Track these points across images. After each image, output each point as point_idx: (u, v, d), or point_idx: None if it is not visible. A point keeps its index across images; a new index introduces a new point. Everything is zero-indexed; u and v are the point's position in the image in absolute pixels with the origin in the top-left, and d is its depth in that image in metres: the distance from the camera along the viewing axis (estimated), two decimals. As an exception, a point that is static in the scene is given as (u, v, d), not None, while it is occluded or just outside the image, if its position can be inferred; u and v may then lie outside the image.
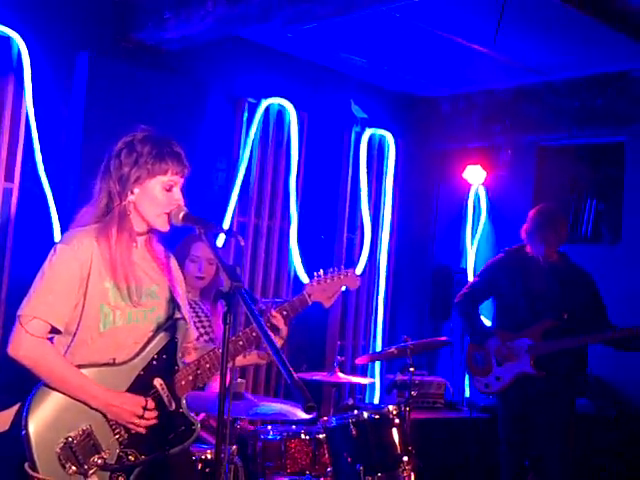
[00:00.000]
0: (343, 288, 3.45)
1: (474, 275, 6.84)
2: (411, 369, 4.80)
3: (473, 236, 7.36)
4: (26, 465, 2.73)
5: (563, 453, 4.92)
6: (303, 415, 3.67)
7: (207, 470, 3.64)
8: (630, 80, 6.21)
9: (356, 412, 4.34)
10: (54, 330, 2.86)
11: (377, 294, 7.01)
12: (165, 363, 2.97)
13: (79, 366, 2.84)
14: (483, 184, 7.30)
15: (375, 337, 6.99)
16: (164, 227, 3.01)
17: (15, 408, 2.87)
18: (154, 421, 2.89)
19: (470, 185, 7.31)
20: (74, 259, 2.86)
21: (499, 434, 5.21)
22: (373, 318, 7.00)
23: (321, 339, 6.60)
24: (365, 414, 4.29)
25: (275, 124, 6.25)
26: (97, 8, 5.27)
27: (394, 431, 4.30)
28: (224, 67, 5.99)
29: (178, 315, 3.06)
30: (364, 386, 6.85)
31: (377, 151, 7.03)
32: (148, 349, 2.94)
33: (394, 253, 7.10)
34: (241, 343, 3.07)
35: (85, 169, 4.93)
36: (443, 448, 5.82)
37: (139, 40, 5.35)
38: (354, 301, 6.85)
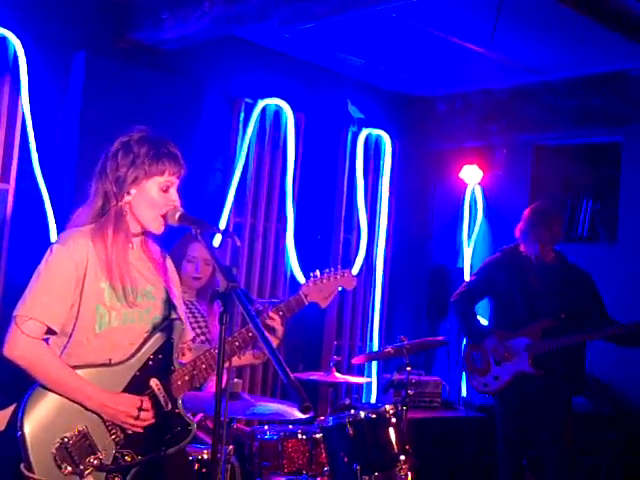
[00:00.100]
0: (339, 288, 3.45)
1: (471, 274, 6.86)
2: (408, 368, 4.80)
3: (470, 235, 7.36)
4: (22, 466, 2.73)
5: (561, 452, 4.92)
6: (300, 415, 3.67)
7: (204, 470, 3.64)
8: (626, 80, 6.22)
9: (353, 412, 4.34)
10: (50, 331, 2.85)
11: (374, 294, 7.01)
12: (161, 363, 2.97)
13: (75, 367, 2.84)
14: (479, 184, 7.30)
15: (372, 337, 6.99)
16: (158, 230, 3.01)
17: (11, 409, 2.87)
18: (150, 421, 2.88)
19: (466, 185, 7.31)
20: (70, 259, 2.86)
21: (497, 433, 5.21)
22: (370, 318, 7.00)
23: (318, 339, 6.60)
24: (362, 414, 4.29)
25: (272, 124, 6.25)
26: (94, 8, 5.27)
27: (391, 430, 4.30)
28: (221, 67, 5.99)
29: (174, 315, 3.06)
30: (361, 386, 6.85)
31: (374, 151, 7.03)
32: (144, 350, 2.94)
33: (391, 253, 7.11)
34: (237, 343, 3.06)
35: (81, 170, 4.92)
36: (440, 447, 5.83)
37: (136, 40, 5.35)
38: (351, 301, 6.86)
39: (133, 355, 2.93)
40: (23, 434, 2.74)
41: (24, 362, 2.81)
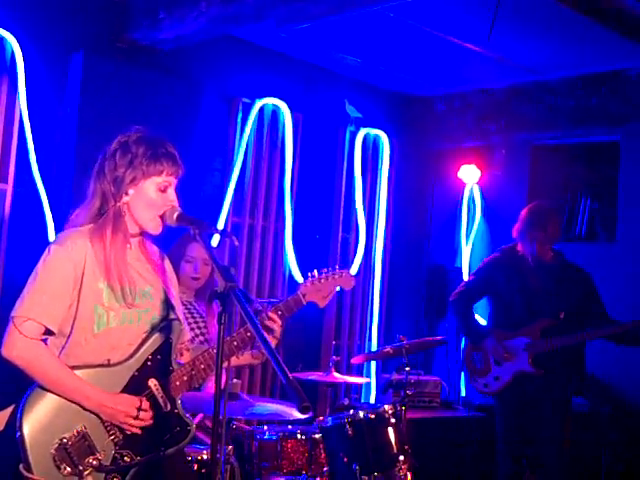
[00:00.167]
0: (338, 288, 3.45)
1: (469, 274, 6.85)
2: (407, 368, 4.80)
3: (468, 235, 7.36)
4: (21, 466, 2.73)
5: (560, 451, 4.92)
6: (299, 415, 3.66)
7: (203, 471, 3.64)
8: (624, 79, 6.22)
9: (352, 412, 4.33)
10: (48, 331, 2.85)
11: (372, 293, 7.01)
12: (160, 364, 2.97)
13: (73, 367, 2.83)
14: (478, 183, 7.30)
15: (370, 336, 6.99)
16: (156, 230, 3.00)
17: (9, 409, 2.87)
18: (149, 422, 2.88)
19: (465, 184, 7.31)
20: (68, 260, 2.85)
21: (497, 432, 5.20)
22: (368, 317, 7.00)
23: (316, 339, 6.60)
24: (361, 414, 4.29)
25: (269, 124, 6.25)
26: (91, 8, 5.26)
27: (390, 430, 4.30)
28: (218, 67, 5.98)
29: (172, 316, 3.05)
30: (360, 386, 6.85)
31: (372, 151, 7.03)
32: (142, 350, 2.94)
33: (389, 252, 7.11)
34: (235, 343, 3.06)
35: (79, 169, 4.92)
36: (439, 447, 5.82)
37: (133, 40, 5.34)
38: (349, 301, 6.85)
39: (132, 356, 2.92)
40: (22, 434, 2.73)
41: (22, 363, 2.81)
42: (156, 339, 2.97)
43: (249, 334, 3.05)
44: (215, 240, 5.66)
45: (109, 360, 2.89)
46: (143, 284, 3.01)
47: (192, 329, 4.29)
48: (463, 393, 6.97)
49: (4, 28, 4.84)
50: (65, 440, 2.77)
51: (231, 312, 2.59)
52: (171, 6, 5.07)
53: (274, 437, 4.19)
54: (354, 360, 5.47)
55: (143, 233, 3.06)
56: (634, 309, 5.45)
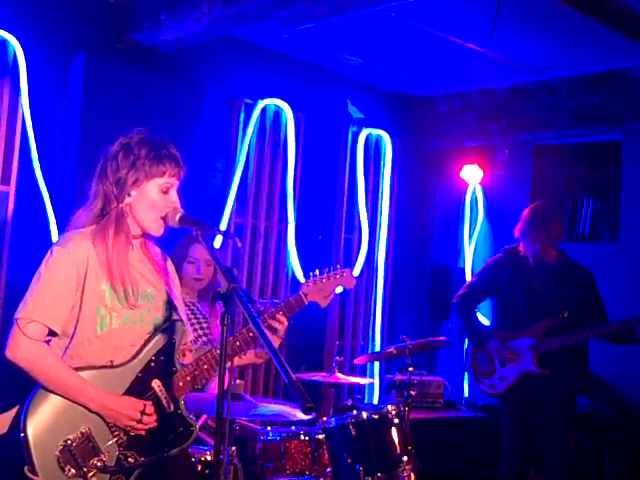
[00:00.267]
0: (340, 289, 3.45)
1: (472, 275, 6.85)
2: (410, 369, 4.80)
3: (471, 235, 7.36)
4: (25, 468, 2.73)
5: (564, 451, 4.92)
6: (302, 416, 3.66)
7: (207, 472, 3.64)
8: (626, 79, 6.21)
9: (355, 412, 4.33)
10: (51, 333, 2.85)
11: (375, 294, 7.01)
12: (163, 365, 2.97)
13: (77, 369, 2.84)
14: (480, 183, 7.30)
15: (374, 337, 6.99)
16: (158, 232, 3.01)
17: (13, 411, 2.87)
18: (152, 425, 2.88)
19: (467, 184, 7.31)
20: (70, 261, 2.86)
21: (501, 433, 5.20)
22: (371, 318, 7.00)
23: (320, 339, 6.60)
24: (364, 414, 4.29)
25: (272, 125, 6.25)
26: (93, 10, 5.26)
27: (393, 431, 4.30)
28: (220, 68, 5.99)
29: (175, 317, 3.06)
30: (363, 386, 6.84)
31: (374, 151, 7.03)
32: (145, 351, 2.94)
33: (392, 253, 7.10)
34: (238, 344, 3.07)
35: (82, 171, 4.92)
36: (442, 448, 5.82)
37: (135, 41, 5.34)
38: (352, 301, 6.85)
39: (135, 357, 2.93)
40: (26, 436, 2.74)
41: (26, 364, 2.81)
42: (159, 340, 2.97)
43: (251, 334, 3.06)
44: (218, 241, 5.66)
45: (112, 361, 2.90)
46: (145, 285, 3.01)
47: (195, 330, 4.30)
48: (466, 393, 6.97)
49: (6, 30, 4.84)
50: (69, 442, 2.78)
51: (234, 313, 2.59)
52: (172, 7, 5.07)
53: (277, 438, 4.19)
54: (357, 361, 5.48)
55: (145, 234, 3.06)
56: (637, 308, 5.44)
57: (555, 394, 4.97)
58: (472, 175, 7.19)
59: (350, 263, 6.65)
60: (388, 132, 7.05)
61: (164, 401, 2.93)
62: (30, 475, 2.72)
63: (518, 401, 5.09)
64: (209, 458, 3.65)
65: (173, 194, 3.00)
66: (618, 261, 6.35)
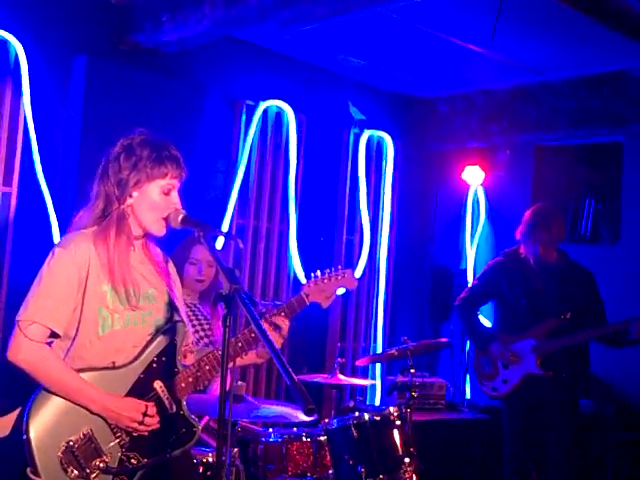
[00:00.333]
0: (343, 290, 3.45)
1: (474, 277, 6.86)
2: (412, 370, 4.80)
3: (472, 237, 7.36)
4: (28, 470, 2.73)
5: (566, 452, 4.92)
6: (304, 417, 3.66)
7: (209, 473, 3.63)
8: (627, 80, 6.21)
9: (357, 414, 4.33)
10: (53, 334, 2.85)
11: (377, 295, 7.01)
12: (165, 366, 2.97)
13: (78, 370, 2.84)
14: (482, 185, 7.30)
15: (375, 339, 6.98)
16: (160, 232, 3.01)
17: (15, 413, 2.87)
18: (154, 426, 2.88)
19: (469, 186, 7.31)
20: (72, 263, 2.86)
21: (504, 435, 5.20)
22: (373, 320, 6.99)
23: (321, 341, 6.60)
24: (366, 416, 4.29)
25: (273, 126, 6.25)
26: (94, 11, 5.26)
27: (395, 433, 4.30)
28: (222, 69, 5.98)
29: (177, 318, 3.06)
30: (365, 388, 6.84)
31: (375, 152, 7.03)
32: (147, 352, 2.94)
33: (393, 254, 7.10)
34: (240, 345, 3.07)
35: (84, 172, 4.92)
36: (444, 449, 5.82)
37: (136, 43, 5.34)
38: (354, 303, 6.85)
39: (136, 358, 2.93)
40: (28, 438, 2.74)
41: (28, 366, 2.81)
42: (161, 341, 2.97)
43: (253, 335, 3.06)
44: (219, 242, 5.66)
45: (114, 363, 2.90)
46: (147, 286, 3.01)
47: (197, 331, 4.30)
48: (468, 395, 6.96)
49: (8, 31, 4.84)
50: (72, 443, 2.78)
51: (236, 314, 2.59)
52: (174, 9, 5.07)
53: (279, 440, 4.19)
54: (359, 362, 5.47)
55: (146, 235, 3.06)
56: (638, 310, 5.44)
57: (558, 395, 4.97)
58: (474, 176, 7.19)
59: (352, 264, 6.64)
60: (389, 133, 7.05)
61: (166, 402, 2.93)
62: (32, 477, 2.72)
63: (521, 403, 5.09)
64: (211, 460, 3.65)
65: (174, 195, 3.00)
66: (619, 262, 6.35)
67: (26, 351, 2.80)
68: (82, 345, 2.87)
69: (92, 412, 2.83)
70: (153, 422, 2.87)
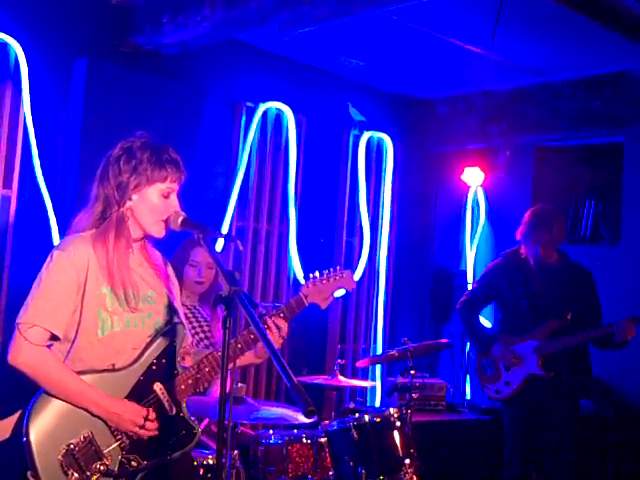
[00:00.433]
0: (342, 292, 3.45)
1: (474, 279, 6.86)
2: (412, 372, 4.80)
3: (472, 238, 7.36)
4: (28, 473, 2.73)
5: (567, 454, 4.91)
6: (304, 419, 3.66)
7: (209, 475, 3.63)
8: (628, 81, 6.21)
9: (357, 415, 4.33)
10: (53, 337, 2.85)
11: (377, 297, 7.01)
12: (165, 368, 2.97)
13: (78, 372, 2.84)
14: (482, 186, 7.30)
15: (375, 340, 6.99)
16: (160, 234, 3.02)
17: (16, 416, 2.87)
18: (154, 431, 2.88)
19: (469, 187, 7.31)
20: (71, 265, 2.86)
21: (505, 436, 5.19)
22: (373, 321, 6.99)
23: (321, 342, 6.60)
24: (366, 417, 4.29)
25: (273, 128, 6.25)
26: (94, 13, 5.26)
27: (395, 434, 4.30)
28: (222, 71, 5.99)
29: (176, 320, 3.06)
30: (365, 389, 6.84)
31: (375, 154, 7.03)
32: (147, 354, 2.94)
33: (393, 256, 7.10)
34: (240, 346, 3.07)
35: (84, 175, 4.92)
36: (445, 450, 5.81)
37: (137, 45, 5.34)
38: (354, 304, 6.85)
39: (136, 360, 2.93)
40: (28, 441, 2.73)
41: (29, 369, 2.81)
42: (160, 343, 2.97)
43: (252, 336, 3.06)
44: (219, 244, 5.66)
45: (114, 365, 2.90)
46: (146, 288, 3.02)
47: (197, 333, 4.30)
48: (468, 396, 6.96)
49: (7, 34, 4.84)
50: (72, 446, 2.78)
51: (235, 316, 2.59)
52: (174, 11, 5.07)
53: (279, 441, 4.19)
54: (359, 363, 5.47)
55: (146, 237, 3.06)
56: (638, 311, 5.44)
57: (559, 396, 4.96)
58: (473, 177, 7.19)
59: (352, 266, 6.65)
60: (389, 135, 7.05)
61: (166, 404, 2.93)
62: (33, 480, 2.72)
63: (523, 404, 5.09)
64: (211, 462, 3.65)
65: (174, 198, 3.01)
66: (619, 263, 6.35)
67: (27, 354, 2.80)
68: (82, 347, 2.87)
69: (93, 414, 2.82)
70: (153, 427, 2.87)
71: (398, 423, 4.33)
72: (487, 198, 7.34)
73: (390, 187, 7.07)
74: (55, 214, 5.00)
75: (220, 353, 2.76)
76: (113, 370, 2.89)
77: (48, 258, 2.90)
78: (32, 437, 2.74)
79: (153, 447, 2.89)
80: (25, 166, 4.94)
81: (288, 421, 3.88)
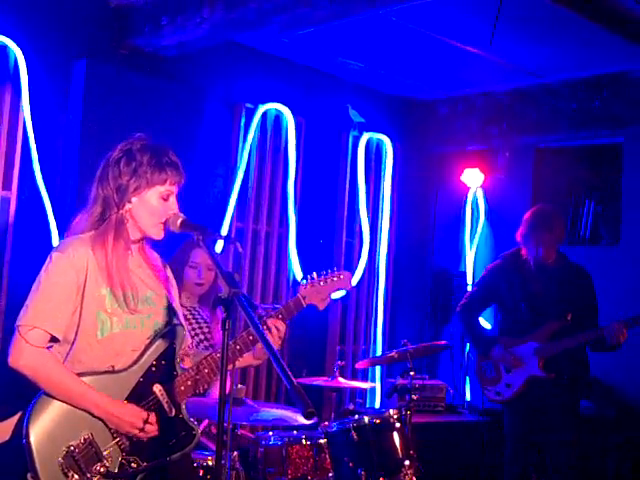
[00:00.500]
0: (341, 293, 3.45)
1: (473, 280, 6.86)
2: (411, 373, 4.80)
3: (472, 239, 7.36)
4: (28, 475, 2.73)
5: (568, 455, 4.91)
6: (303, 420, 3.66)
7: (209, 477, 3.63)
8: (627, 81, 6.21)
9: (357, 417, 4.34)
10: (53, 339, 2.85)
11: (377, 298, 7.01)
12: (164, 369, 2.97)
13: (78, 374, 2.84)
14: (481, 187, 7.30)
15: (375, 341, 6.98)
16: (159, 236, 3.02)
17: (16, 418, 2.87)
18: (154, 434, 2.88)
19: (468, 188, 7.31)
20: (70, 267, 2.86)
21: (505, 437, 5.19)
22: (373, 322, 6.99)
23: (321, 344, 6.60)
24: (366, 419, 4.29)
25: (272, 129, 6.25)
26: (94, 15, 5.26)
27: (395, 435, 4.30)
28: (221, 73, 5.99)
29: (176, 321, 3.06)
30: (365, 390, 6.84)
31: (375, 155, 7.03)
32: (146, 356, 2.94)
33: (393, 257, 7.10)
34: (239, 347, 3.07)
35: (83, 176, 4.92)
36: (444, 452, 5.81)
37: (136, 46, 5.34)
38: (354, 305, 6.85)
39: (136, 362, 2.93)
40: (29, 443, 2.74)
41: (30, 371, 2.81)
42: (160, 344, 2.98)
43: (251, 337, 3.06)
44: (219, 246, 5.66)
45: (113, 366, 2.90)
46: (145, 290, 3.02)
47: (196, 334, 4.30)
48: (468, 397, 6.96)
49: (7, 36, 4.84)
50: (72, 447, 2.78)
51: (235, 318, 2.59)
52: (174, 12, 5.07)
53: (279, 443, 4.18)
54: (359, 365, 5.47)
55: (145, 238, 3.07)
56: (638, 312, 5.45)
57: (559, 398, 4.96)
58: (473, 178, 7.19)
59: (351, 267, 6.65)
60: (389, 136, 7.05)
61: (166, 406, 2.93)
62: (33, 482, 2.72)
63: (523, 406, 5.08)
64: (211, 463, 3.65)
65: (173, 201, 3.01)
66: (619, 264, 6.34)
67: (27, 356, 2.81)
68: (81, 349, 2.88)
69: (93, 416, 2.83)
70: (153, 430, 2.88)
71: (398, 424, 4.33)
72: (487, 199, 7.34)
73: (390, 188, 7.08)
74: (54, 215, 5.00)
75: (219, 354, 2.76)
76: (113, 372, 2.90)
77: (47, 260, 2.90)
78: (32, 439, 2.74)
79: (153, 448, 2.89)
80: (24, 167, 4.94)
81: (288, 422, 3.88)
